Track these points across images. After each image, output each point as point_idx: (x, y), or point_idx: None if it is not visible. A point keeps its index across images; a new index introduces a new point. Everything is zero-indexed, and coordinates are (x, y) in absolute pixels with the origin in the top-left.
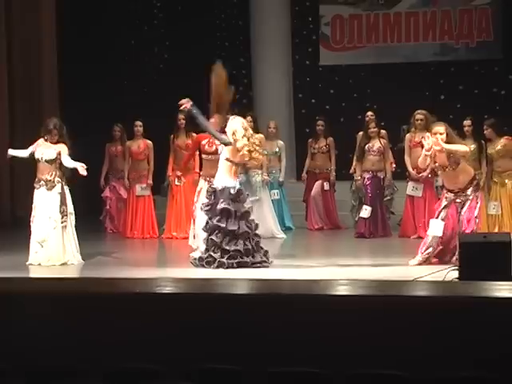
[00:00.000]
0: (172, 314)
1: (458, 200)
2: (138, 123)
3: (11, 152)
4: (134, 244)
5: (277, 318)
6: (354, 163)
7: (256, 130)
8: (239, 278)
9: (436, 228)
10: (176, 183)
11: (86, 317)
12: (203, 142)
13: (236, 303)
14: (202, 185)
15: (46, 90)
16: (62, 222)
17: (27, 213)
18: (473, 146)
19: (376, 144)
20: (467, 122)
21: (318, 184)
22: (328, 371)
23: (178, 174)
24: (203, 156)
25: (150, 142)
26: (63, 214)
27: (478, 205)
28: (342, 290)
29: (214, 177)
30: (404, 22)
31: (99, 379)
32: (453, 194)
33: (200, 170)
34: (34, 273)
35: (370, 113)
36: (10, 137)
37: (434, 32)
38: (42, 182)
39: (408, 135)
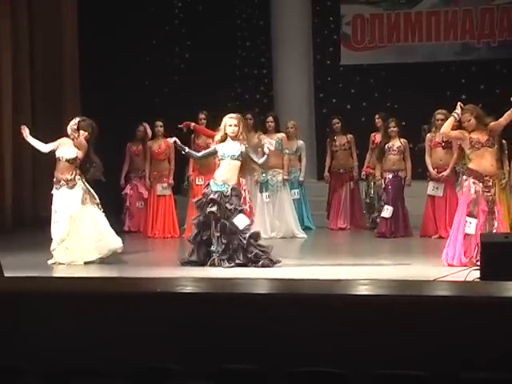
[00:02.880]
0: (192, 314)
1: (487, 193)
2: (159, 123)
3: (30, 140)
4: (155, 243)
5: (296, 318)
6: (365, 163)
7: (277, 130)
8: (260, 277)
9: (471, 226)
10: (197, 183)
11: (107, 316)
12: None
13: (256, 303)
14: None
15: (67, 91)
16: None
17: (49, 213)
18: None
19: (396, 143)
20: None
21: (346, 186)
22: (348, 371)
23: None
24: None
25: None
26: (98, 206)
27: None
28: (363, 290)
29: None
30: (425, 22)
31: (118, 378)
32: (480, 185)
33: None
34: (55, 272)
35: (377, 116)
36: (31, 136)
37: (455, 31)
38: (63, 182)
39: (428, 135)
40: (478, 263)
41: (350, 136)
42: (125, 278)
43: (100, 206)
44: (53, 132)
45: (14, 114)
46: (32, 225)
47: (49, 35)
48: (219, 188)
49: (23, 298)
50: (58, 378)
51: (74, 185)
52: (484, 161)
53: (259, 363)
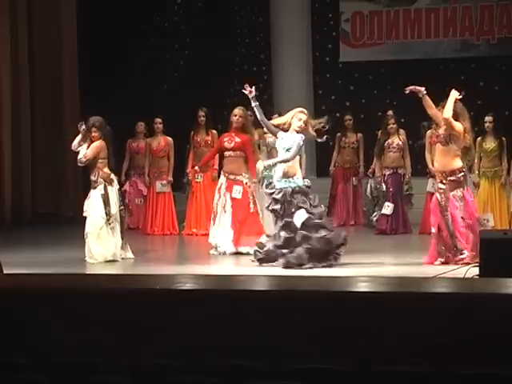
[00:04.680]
0: (192, 311)
1: (440, 190)
2: (158, 120)
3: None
4: (154, 240)
5: (296, 315)
6: (374, 162)
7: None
8: (259, 274)
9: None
10: (196, 180)
11: (106, 312)
12: (224, 139)
13: (256, 299)
14: (223, 181)
15: (66, 88)
16: (109, 223)
17: (48, 210)
18: (492, 144)
19: (395, 140)
20: (489, 118)
21: (349, 182)
22: (347, 368)
23: (197, 169)
24: (225, 153)
25: (170, 138)
26: (108, 214)
27: (460, 203)
28: (362, 287)
29: (231, 174)
30: (424, 19)
31: (117, 374)
32: (438, 181)
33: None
34: (54, 269)
35: (390, 112)
36: (30, 136)
37: (454, 28)
38: (91, 183)
39: (428, 132)
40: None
41: (359, 135)
42: (124, 275)
43: (108, 219)
44: (52, 129)
45: (12, 111)
46: (31, 222)
47: (48, 32)
48: (282, 185)
49: (23, 295)
50: (57, 375)
51: (95, 187)
52: (435, 156)
53: (258, 359)
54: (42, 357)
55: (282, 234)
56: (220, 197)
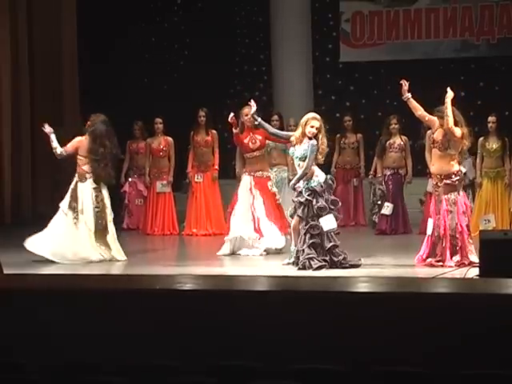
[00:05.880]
0: (192, 311)
1: (436, 192)
2: (158, 120)
3: (53, 137)
4: (154, 241)
5: (295, 315)
6: (375, 162)
7: (281, 128)
8: (259, 274)
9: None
10: (195, 180)
11: (106, 313)
12: (245, 141)
13: (256, 299)
14: (249, 180)
15: (66, 88)
16: (73, 219)
17: (47, 209)
18: (495, 144)
19: (397, 141)
20: (492, 119)
21: (350, 183)
22: (347, 368)
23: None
24: (247, 155)
25: (170, 138)
26: (74, 210)
27: (454, 208)
28: (362, 288)
29: (258, 171)
30: (424, 19)
31: (117, 374)
32: (433, 184)
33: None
34: (54, 269)
35: (393, 120)
36: (30, 136)
37: (454, 28)
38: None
39: (428, 132)
40: (435, 262)
41: (359, 135)
42: (124, 275)
43: (86, 214)
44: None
45: (12, 111)
46: (31, 221)
47: (48, 32)
48: (304, 187)
49: (23, 295)
50: (57, 375)
51: (70, 183)
52: (432, 160)
53: (258, 359)
54: (41, 357)
55: (308, 236)
56: (251, 194)
